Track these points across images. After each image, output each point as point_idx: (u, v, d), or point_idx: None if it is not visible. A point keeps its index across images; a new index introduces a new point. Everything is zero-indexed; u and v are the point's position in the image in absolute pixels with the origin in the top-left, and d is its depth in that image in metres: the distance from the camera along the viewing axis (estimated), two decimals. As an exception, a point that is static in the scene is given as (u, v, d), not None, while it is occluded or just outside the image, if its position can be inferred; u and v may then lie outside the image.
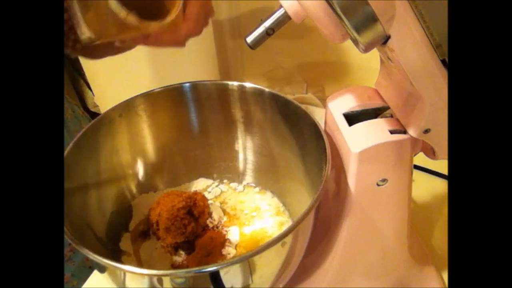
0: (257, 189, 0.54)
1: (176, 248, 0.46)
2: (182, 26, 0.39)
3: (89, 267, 0.62)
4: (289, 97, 0.46)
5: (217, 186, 0.54)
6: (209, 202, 0.52)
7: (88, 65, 0.73)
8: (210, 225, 0.49)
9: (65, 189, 0.37)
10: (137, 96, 0.48)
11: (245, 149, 0.53)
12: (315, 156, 0.41)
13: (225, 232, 0.48)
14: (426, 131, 0.35)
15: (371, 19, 0.27)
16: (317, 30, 0.30)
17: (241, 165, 0.54)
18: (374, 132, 0.36)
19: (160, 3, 0.37)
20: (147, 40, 0.38)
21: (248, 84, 0.48)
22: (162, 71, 0.73)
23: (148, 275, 0.30)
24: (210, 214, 0.50)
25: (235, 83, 0.49)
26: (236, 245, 0.47)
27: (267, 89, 0.47)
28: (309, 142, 0.43)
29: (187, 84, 0.49)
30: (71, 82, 0.90)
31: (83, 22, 0.33)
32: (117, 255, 0.46)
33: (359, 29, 0.27)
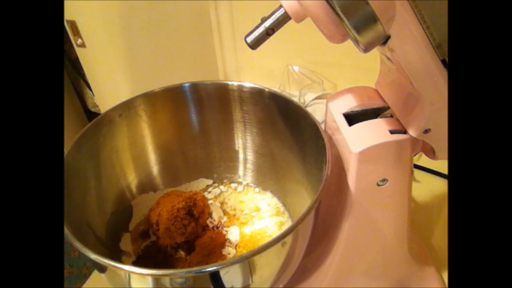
0: (257, 189, 0.54)
1: (176, 248, 0.46)
2: None
3: None
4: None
5: (217, 186, 0.54)
6: (209, 202, 0.52)
7: (88, 65, 0.73)
8: (210, 225, 0.49)
9: (65, 189, 0.37)
10: (137, 96, 0.48)
11: (245, 149, 0.53)
12: (315, 156, 0.41)
13: (225, 232, 0.48)
14: (426, 131, 0.35)
15: (371, 19, 0.27)
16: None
17: (241, 165, 0.54)
18: (374, 132, 0.36)
19: None
20: None
21: (248, 84, 0.48)
22: (162, 71, 0.73)
23: (148, 275, 0.30)
24: (210, 214, 0.50)
25: (235, 83, 0.49)
26: (236, 245, 0.47)
27: (267, 89, 0.47)
28: (309, 142, 0.43)
29: (187, 84, 0.49)
30: (71, 82, 0.90)
31: None
32: (117, 255, 0.46)
33: (359, 29, 0.27)
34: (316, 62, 0.75)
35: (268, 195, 0.52)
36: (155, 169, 0.53)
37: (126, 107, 0.48)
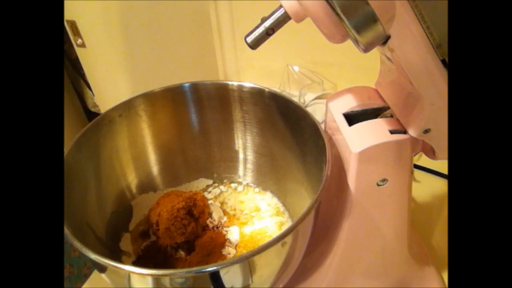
0: (257, 189, 0.54)
1: (176, 248, 0.46)
2: None
3: None
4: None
5: (217, 186, 0.54)
6: (209, 202, 0.52)
7: (88, 65, 0.73)
8: (210, 225, 0.49)
9: (65, 189, 0.37)
10: (137, 96, 0.48)
11: (245, 149, 0.53)
12: (315, 156, 0.41)
13: (225, 232, 0.48)
14: (426, 131, 0.35)
15: (371, 19, 0.27)
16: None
17: (241, 165, 0.54)
18: (374, 132, 0.36)
19: None
20: None
21: (248, 84, 0.48)
22: (162, 71, 0.73)
23: (148, 275, 0.30)
24: (210, 214, 0.50)
25: (235, 83, 0.49)
26: (236, 245, 0.47)
27: (267, 89, 0.47)
28: (309, 142, 0.43)
29: (187, 84, 0.49)
30: (71, 82, 0.90)
31: None
32: (117, 255, 0.46)
33: (359, 29, 0.27)
34: (316, 62, 0.75)
35: (268, 195, 0.52)
36: (155, 169, 0.53)
37: (126, 107, 0.48)
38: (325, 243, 0.43)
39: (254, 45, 0.33)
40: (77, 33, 0.66)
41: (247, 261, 0.32)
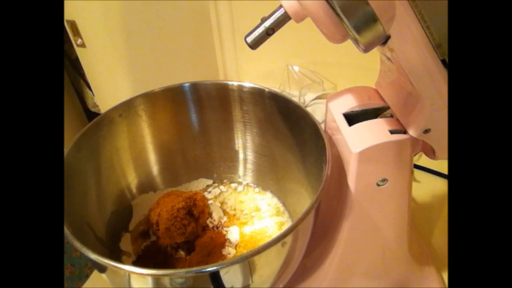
0: (257, 189, 0.54)
1: (176, 248, 0.46)
2: None
3: None
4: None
5: (217, 186, 0.54)
6: (209, 202, 0.52)
7: (88, 65, 0.73)
8: (210, 225, 0.49)
9: (65, 189, 0.37)
10: (137, 96, 0.48)
11: (245, 149, 0.53)
12: (315, 156, 0.41)
13: (225, 232, 0.48)
14: (426, 131, 0.35)
15: (371, 19, 0.27)
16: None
17: (241, 165, 0.54)
18: (374, 132, 0.36)
19: None
20: None
21: (248, 84, 0.48)
22: (162, 71, 0.73)
23: (148, 275, 0.30)
24: (210, 214, 0.50)
25: (235, 83, 0.49)
26: (236, 245, 0.47)
27: (267, 89, 0.47)
28: (309, 142, 0.43)
29: (187, 84, 0.49)
30: (71, 82, 0.90)
31: None
32: (117, 255, 0.46)
33: (359, 29, 0.27)
34: (316, 62, 0.75)
35: (268, 195, 0.52)
36: (155, 169, 0.53)
37: (126, 107, 0.48)
38: (325, 243, 0.43)
39: (254, 45, 0.33)
40: (77, 33, 0.66)
41: (247, 261, 0.32)
